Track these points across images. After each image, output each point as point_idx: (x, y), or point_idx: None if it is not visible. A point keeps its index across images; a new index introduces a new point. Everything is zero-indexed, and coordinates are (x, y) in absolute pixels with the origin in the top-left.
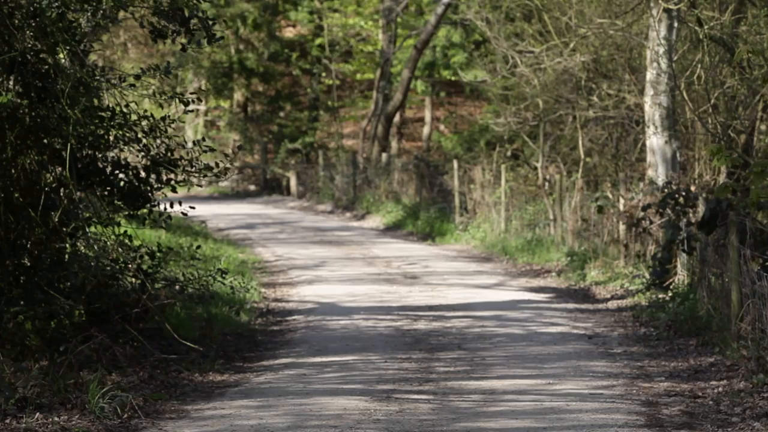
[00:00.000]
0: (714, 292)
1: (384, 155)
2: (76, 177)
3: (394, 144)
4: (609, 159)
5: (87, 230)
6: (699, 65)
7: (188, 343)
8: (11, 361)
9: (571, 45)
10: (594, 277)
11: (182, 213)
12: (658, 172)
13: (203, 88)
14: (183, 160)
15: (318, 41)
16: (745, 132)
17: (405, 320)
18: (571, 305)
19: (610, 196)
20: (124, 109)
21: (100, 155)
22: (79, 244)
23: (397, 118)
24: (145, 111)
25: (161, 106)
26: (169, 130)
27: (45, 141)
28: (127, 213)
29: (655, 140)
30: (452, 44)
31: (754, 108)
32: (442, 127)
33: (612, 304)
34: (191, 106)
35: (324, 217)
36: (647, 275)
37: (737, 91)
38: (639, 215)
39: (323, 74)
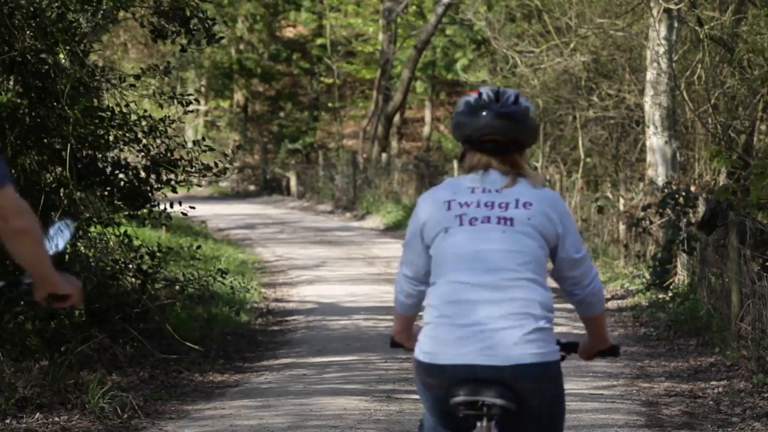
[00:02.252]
0: (714, 292)
1: (384, 155)
2: (76, 177)
3: (394, 144)
4: (609, 159)
5: (87, 230)
6: (699, 65)
7: (188, 343)
8: (11, 361)
9: (572, 45)
10: None
11: (182, 213)
12: (658, 172)
13: (202, 88)
14: (183, 161)
15: (319, 41)
16: (745, 132)
17: None
18: (571, 305)
19: (610, 196)
20: (124, 110)
21: (100, 155)
22: (79, 244)
23: (397, 118)
24: (145, 111)
25: (161, 106)
26: (169, 130)
27: (45, 141)
28: (127, 213)
29: (655, 140)
30: (453, 43)
31: (754, 108)
32: (442, 127)
33: (612, 304)
34: (191, 107)
35: (324, 218)
36: (647, 275)
37: (737, 91)
38: (639, 215)
39: (324, 74)
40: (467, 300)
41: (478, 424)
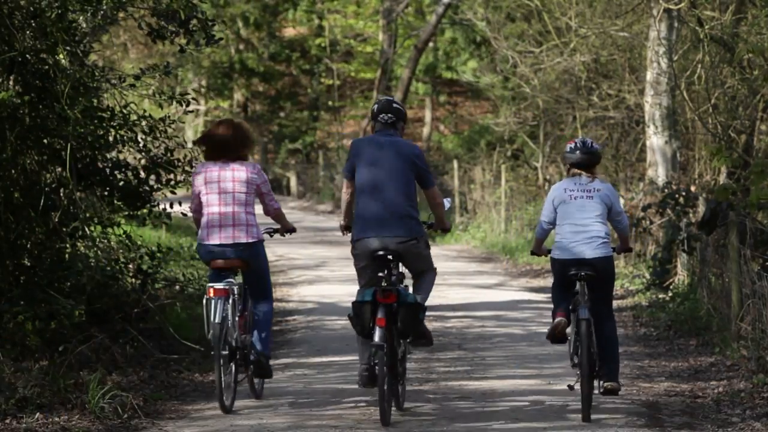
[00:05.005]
0: (714, 292)
1: None
2: (76, 177)
3: None
4: (609, 159)
5: (87, 230)
6: (699, 65)
7: (188, 343)
8: (11, 361)
9: (572, 45)
10: None
11: (182, 213)
12: (658, 172)
13: (202, 88)
14: (182, 161)
15: (318, 41)
16: (746, 132)
17: None
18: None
19: None
20: (124, 110)
21: (100, 155)
22: (79, 244)
23: None
24: (144, 111)
25: (161, 106)
26: (169, 130)
27: (45, 141)
28: (126, 213)
29: (655, 140)
30: (454, 42)
31: (754, 108)
32: (442, 127)
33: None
34: (191, 107)
35: (324, 217)
36: (647, 275)
37: (737, 91)
38: (639, 215)
39: (323, 74)
40: (573, 231)
41: (578, 283)
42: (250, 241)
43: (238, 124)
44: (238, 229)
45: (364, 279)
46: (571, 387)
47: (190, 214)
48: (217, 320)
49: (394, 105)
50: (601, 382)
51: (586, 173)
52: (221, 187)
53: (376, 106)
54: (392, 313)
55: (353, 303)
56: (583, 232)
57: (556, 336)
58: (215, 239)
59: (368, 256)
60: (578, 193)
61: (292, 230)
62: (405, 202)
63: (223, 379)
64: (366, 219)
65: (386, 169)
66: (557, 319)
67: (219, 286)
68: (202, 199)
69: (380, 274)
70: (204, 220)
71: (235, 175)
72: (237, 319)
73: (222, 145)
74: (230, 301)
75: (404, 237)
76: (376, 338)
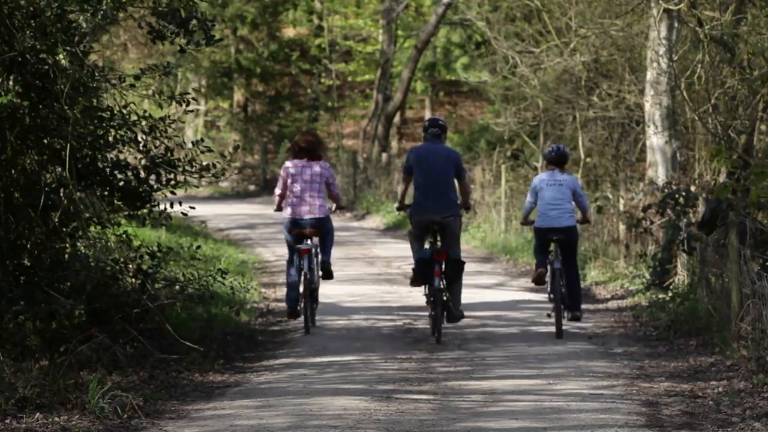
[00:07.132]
0: (714, 292)
1: (384, 155)
2: (76, 177)
3: (394, 144)
4: (609, 159)
5: (87, 230)
6: (699, 65)
7: (188, 343)
8: (11, 361)
9: (571, 45)
10: (594, 277)
11: (182, 213)
12: (658, 172)
13: (202, 88)
14: (182, 161)
15: (318, 41)
16: (746, 132)
17: (405, 320)
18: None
19: (610, 196)
20: (123, 110)
21: (100, 155)
22: (79, 244)
23: (397, 118)
24: (144, 111)
25: (160, 106)
26: (169, 130)
27: (45, 141)
28: (127, 213)
29: (655, 140)
30: (452, 43)
31: (754, 108)
32: None
33: (612, 304)
34: (191, 107)
35: None
36: (647, 275)
37: (737, 91)
38: (639, 215)
39: (323, 74)
40: (549, 209)
41: (552, 245)
42: (322, 216)
43: (315, 134)
44: (314, 207)
45: (418, 242)
46: (549, 315)
47: (189, 214)
48: (305, 270)
49: (440, 122)
50: (568, 312)
51: (558, 168)
52: (303, 178)
53: (426, 122)
54: (443, 266)
55: (417, 259)
56: (556, 209)
57: (538, 281)
58: (299, 215)
59: (422, 226)
60: (553, 182)
61: (344, 208)
62: (448, 190)
63: (309, 311)
64: (421, 201)
65: (435, 167)
66: (539, 270)
67: (306, 246)
68: (289, 186)
69: (429, 239)
70: (291, 201)
71: (313, 170)
72: (314, 267)
73: (305, 148)
74: (313, 257)
75: (446, 213)
76: (436, 283)
